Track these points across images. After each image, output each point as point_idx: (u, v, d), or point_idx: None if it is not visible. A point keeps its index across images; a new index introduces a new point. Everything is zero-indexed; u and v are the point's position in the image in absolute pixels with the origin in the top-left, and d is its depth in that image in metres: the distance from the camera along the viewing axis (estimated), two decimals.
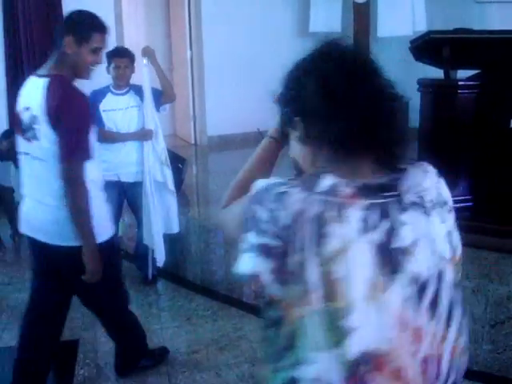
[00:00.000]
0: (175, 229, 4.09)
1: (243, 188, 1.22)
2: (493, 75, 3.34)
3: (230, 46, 6.54)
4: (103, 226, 2.56)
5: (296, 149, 1.20)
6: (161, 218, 3.99)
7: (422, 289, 1.10)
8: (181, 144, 7.11)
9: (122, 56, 3.88)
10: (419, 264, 1.09)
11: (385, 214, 1.08)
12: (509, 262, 3.05)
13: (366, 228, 1.06)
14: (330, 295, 1.05)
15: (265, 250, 1.08)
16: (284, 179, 1.13)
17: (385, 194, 1.09)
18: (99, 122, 3.91)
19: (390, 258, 1.07)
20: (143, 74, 3.91)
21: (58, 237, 2.48)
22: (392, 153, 1.15)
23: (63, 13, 5.77)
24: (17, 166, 5.69)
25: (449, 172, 3.81)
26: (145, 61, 3.90)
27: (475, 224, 3.38)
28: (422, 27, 5.88)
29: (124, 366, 3.00)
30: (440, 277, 1.13)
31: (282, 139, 1.32)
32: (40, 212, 2.51)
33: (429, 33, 3.47)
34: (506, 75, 3.27)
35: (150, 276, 4.14)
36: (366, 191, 1.08)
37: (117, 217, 4.05)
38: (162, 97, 3.99)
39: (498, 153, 3.34)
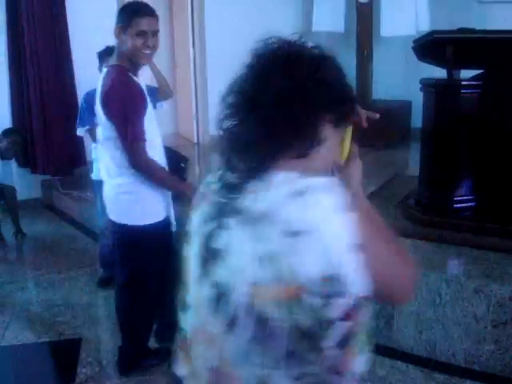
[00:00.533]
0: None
1: None
2: (496, 75, 3.32)
3: (233, 45, 6.51)
4: (154, 209, 2.74)
5: None
6: None
7: (220, 298, 1.05)
8: (183, 143, 7.10)
9: (111, 55, 3.84)
10: (223, 272, 1.05)
11: (218, 213, 1.09)
12: (511, 262, 3.05)
13: (204, 222, 1.13)
14: (184, 269, 1.19)
15: None
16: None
17: (226, 195, 1.10)
18: (94, 122, 3.89)
19: (206, 255, 1.10)
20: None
21: (112, 213, 2.83)
22: (254, 158, 1.06)
23: (67, 12, 5.78)
24: (19, 164, 5.74)
25: (451, 172, 3.82)
26: None
27: (477, 224, 3.38)
28: (425, 27, 5.86)
29: (127, 365, 3.01)
30: (236, 297, 1.02)
31: None
32: (105, 191, 2.83)
33: (432, 32, 3.46)
34: (510, 75, 3.27)
35: None
36: (222, 189, 1.13)
37: None
38: (158, 94, 3.96)
39: (501, 153, 3.34)
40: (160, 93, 3.93)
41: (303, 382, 1.03)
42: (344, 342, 1.01)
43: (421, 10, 6.22)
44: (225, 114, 1.10)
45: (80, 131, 3.96)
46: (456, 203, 3.52)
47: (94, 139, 4.22)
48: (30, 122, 5.80)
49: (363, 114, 1.83)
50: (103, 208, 4.03)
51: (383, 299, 1.13)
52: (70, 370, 3.05)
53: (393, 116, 6.39)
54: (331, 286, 0.96)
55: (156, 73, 3.95)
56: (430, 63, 3.73)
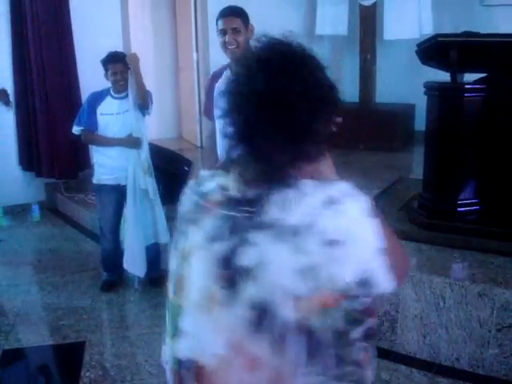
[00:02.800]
0: (164, 239, 4.04)
1: None
2: (500, 79, 3.32)
3: None
4: None
5: None
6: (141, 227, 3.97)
7: (263, 317, 1.00)
8: (187, 146, 7.10)
9: (116, 61, 3.81)
10: (262, 290, 1.00)
11: (235, 229, 1.03)
12: None
13: (214, 238, 1.05)
14: (178, 290, 1.12)
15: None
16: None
17: (241, 208, 1.04)
18: (94, 125, 3.90)
19: (232, 275, 1.02)
20: (129, 83, 3.83)
21: None
22: (274, 166, 1.02)
23: (70, 13, 5.78)
24: (23, 168, 5.71)
25: (455, 175, 3.80)
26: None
27: (482, 227, 3.37)
28: (428, 30, 5.87)
29: None
30: (282, 314, 1.00)
31: None
32: None
33: (436, 36, 3.45)
34: None
35: (136, 285, 4.16)
36: (231, 202, 1.06)
37: (118, 220, 4.08)
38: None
39: (505, 156, 3.33)
40: (138, 98, 3.80)
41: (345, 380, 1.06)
42: (368, 337, 1.07)
43: (424, 13, 6.21)
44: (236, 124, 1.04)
45: (76, 129, 3.96)
46: (460, 207, 3.51)
47: (86, 141, 4.21)
48: (34, 126, 5.82)
49: None
50: (103, 211, 4.05)
51: None
52: (74, 373, 3.05)
53: (396, 119, 6.39)
54: (364, 288, 1.01)
55: (135, 76, 3.77)
56: (433, 67, 3.73)
